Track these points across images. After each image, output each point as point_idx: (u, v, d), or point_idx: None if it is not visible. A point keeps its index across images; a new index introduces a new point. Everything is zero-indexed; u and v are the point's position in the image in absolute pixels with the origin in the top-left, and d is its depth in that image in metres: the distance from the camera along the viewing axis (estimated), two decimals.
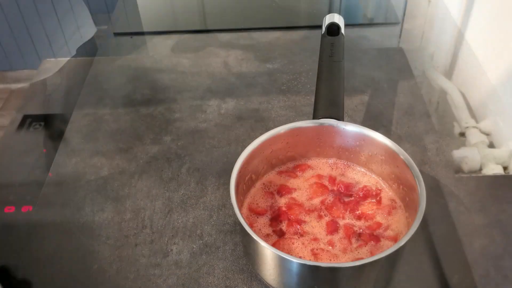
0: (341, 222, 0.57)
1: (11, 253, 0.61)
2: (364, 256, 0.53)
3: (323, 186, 0.60)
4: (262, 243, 0.48)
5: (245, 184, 0.59)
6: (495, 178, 0.68)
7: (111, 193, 0.67)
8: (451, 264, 0.57)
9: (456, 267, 0.57)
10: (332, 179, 0.62)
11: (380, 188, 0.60)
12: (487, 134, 0.74)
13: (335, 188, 0.61)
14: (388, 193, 0.60)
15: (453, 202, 0.63)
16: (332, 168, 0.63)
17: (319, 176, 0.62)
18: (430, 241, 0.59)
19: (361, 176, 0.62)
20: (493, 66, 0.80)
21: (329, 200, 0.59)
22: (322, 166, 0.64)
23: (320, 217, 0.57)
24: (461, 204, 0.63)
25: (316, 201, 0.59)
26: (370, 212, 0.57)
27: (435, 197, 0.64)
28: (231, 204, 0.51)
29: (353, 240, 0.55)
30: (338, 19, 0.72)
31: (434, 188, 0.65)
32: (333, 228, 0.56)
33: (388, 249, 0.47)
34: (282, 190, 0.60)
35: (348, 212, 0.58)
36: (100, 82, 0.87)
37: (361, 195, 0.59)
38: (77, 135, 0.76)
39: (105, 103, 0.82)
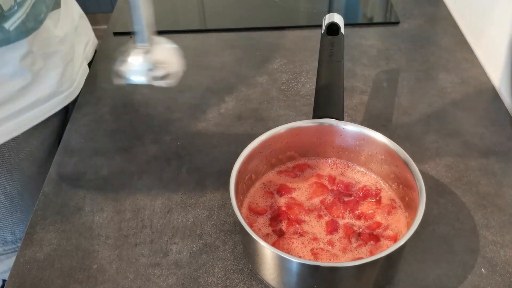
0: (341, 222, 0.57)
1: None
2: (364, 255, 0.53)
3: (323, 186, 0.60)
4: (262, 243, 0.48)
5: (244, 184, 0.59)
6: None
7: (111, 193, 0.67)
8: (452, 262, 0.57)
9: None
10: (332, 179, 0.62)
11: (379, 187, 0.60)
12: None
13: (334, 187, 0.61)
14: (387, 192, 0.60)
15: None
16: (332, 168, 0.63)
17: (319, 176, 0.62)
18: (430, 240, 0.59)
19: (361, 176, 0.62)
20: None
21: (329, 199, 0.59)
22: (322, 165, 0.64)
23: (320, 216, 0.57)
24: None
25: (316, 200, 0.59)
26: (369, 211, 0.57)
27: (435, 197, 0.64)
28: (230, 204, 0.51)
29: (353, 240, 0.55)
30: (338, 18, 0.72)
31: (434, 188, 0.65)
32: (332, 227, 0.56)
33: (387, 248, 0.47)
34: (281, 190, 0.60)
35: (347, 212, 0.58)
36: (100, 82, 0.87)
37: (360, 195, 0.59)
38: (77, 135, 0.76)
39: (105, 103, 0.82)
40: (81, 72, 0.86)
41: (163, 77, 0.48)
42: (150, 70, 0.47)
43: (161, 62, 0.48)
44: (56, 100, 0.79)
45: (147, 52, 0.47)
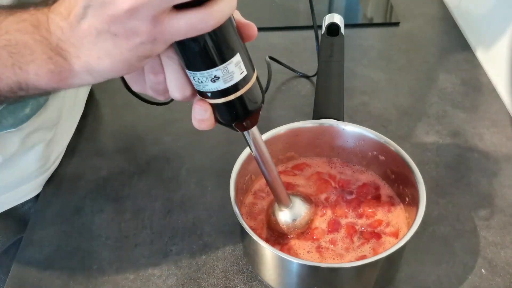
0: (343, 221, 0.57)
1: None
2: (367, 253, 0.53)
3: (327, 182, 0.60)
4: (262, 244, 0.48)
5: (244, 184, 0.59)
6: None
7: (111, 194, 0.67)
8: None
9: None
10: (332, 177, 0.61)
11: (379, 186, 0.60)
12: None
13: (336, 186, 0.61)
14: (387, 190, 0.60)
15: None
16: (332, 168, 0.63)
17: (319, 173, 0.62)
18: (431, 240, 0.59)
19: (360, 174, 0.62)
20: None
21: (333, 198, 0.59)
22: (321, 164, 0.63)
23: (322, 215, 0.57)
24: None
25: (322, 197, 0.59)
26: (371, 210, 0.57)
27: (435, 198, 0.64)
28: (230, 205, 0.51)
29: (355, 239, 0.55)
30: (338, 19, 0.72)
31: (434, 189, 0.65)
32: (334, 227, 0.56)
33: (388, 249, 0.47)
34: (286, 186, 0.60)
35: (350, 210, 0.58)
36: (100, 83, 0.87)
37: (361, 194, 0.59)
38: (77, 135, 0.76)
39: (104, 103, 0.82)
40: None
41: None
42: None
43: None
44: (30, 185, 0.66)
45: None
